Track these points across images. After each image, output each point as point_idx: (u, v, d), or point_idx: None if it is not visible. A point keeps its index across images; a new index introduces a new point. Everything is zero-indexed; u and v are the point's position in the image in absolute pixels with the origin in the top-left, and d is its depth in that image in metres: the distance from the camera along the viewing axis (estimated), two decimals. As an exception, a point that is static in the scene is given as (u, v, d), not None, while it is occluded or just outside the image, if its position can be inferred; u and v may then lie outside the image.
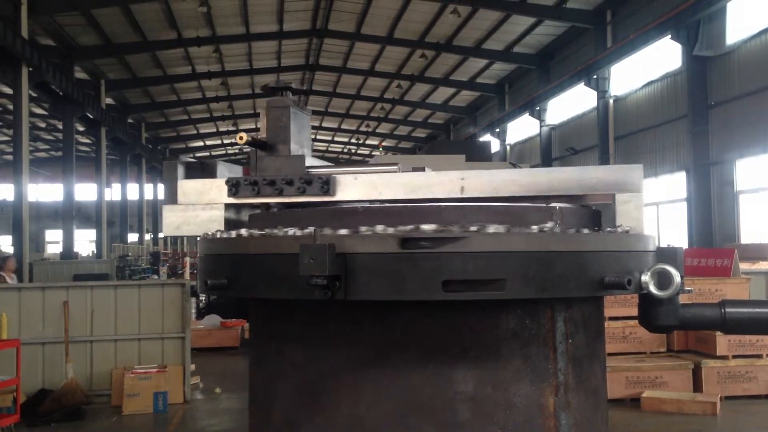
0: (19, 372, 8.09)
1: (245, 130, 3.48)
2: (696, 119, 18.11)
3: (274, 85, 3.60)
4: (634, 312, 3.33)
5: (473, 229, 2.67)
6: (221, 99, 36.09)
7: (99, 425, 8.53)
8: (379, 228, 2.71)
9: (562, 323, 2.97)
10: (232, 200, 3.36)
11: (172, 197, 3.49)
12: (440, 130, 42.70)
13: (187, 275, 15.47)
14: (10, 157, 27.96)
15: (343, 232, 2.73)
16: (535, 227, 2.75)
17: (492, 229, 2.69)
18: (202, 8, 22.95)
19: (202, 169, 3.59)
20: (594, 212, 3.24)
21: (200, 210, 3.44)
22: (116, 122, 30.28)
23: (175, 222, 3.48)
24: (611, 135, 22.94)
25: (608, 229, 3.07)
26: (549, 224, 2.79)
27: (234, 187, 3.32)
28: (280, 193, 3.28)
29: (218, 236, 3.19)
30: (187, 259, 17.71)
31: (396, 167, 3.36)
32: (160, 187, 45.05)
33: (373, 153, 46.70)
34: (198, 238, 3.36)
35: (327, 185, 3.23)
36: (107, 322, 9.71)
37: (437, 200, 3.13)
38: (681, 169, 19.28)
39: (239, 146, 43.48)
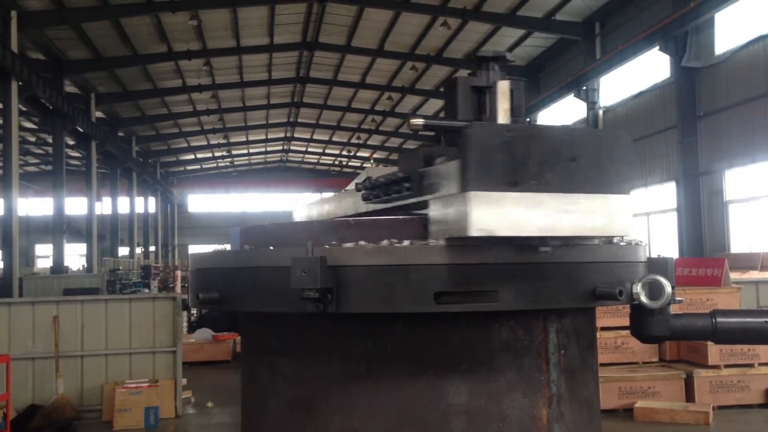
0: (9, 388, 8.04)
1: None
2: (685, 130, 18.22)
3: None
4: (627, 322, 3.33)
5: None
6: (212, 112, 36.07)
7: (90, 441, 8.49)
8: (372, 240, 2.71)
9: (554, 334, 2.97)
10: None
11: None
12: (432, 142, 42.71)
13: (178, 289, 15.41)
14: (-1, 172, 27.84)
15: (335, 244, 2.73)
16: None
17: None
18: (192, 22, 22.93)
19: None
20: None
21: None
22: (107, 136, 30.16)
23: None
24: (601, 146, 23.02)
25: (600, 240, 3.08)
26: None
27: None
28: None
29: (209, 250, 3.18)
30: (178, 273, 17.63)
31: None
32: (151, 200, 45.01)
33: (364, 165, 46.70)
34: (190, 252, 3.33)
35: None
36: (98, 337, 9.66)
37: None
38: (671, 180, 19.38)
39: (230, 159, 43.04)
